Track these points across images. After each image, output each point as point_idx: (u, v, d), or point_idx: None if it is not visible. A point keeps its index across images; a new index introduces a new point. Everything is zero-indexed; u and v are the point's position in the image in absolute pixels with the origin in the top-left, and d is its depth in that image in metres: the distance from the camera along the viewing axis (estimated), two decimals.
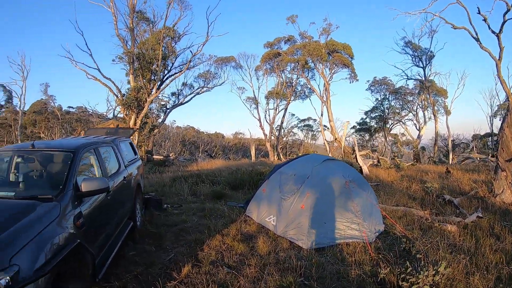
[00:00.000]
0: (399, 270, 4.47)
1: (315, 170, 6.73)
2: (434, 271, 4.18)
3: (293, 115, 48.28)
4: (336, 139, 32.00)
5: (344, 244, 5.83)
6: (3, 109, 49.97)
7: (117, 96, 18.10)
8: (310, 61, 33.08)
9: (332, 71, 33.77)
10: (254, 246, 5.87)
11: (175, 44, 23.05)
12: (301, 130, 56.16)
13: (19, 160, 4.78)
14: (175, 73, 23.58)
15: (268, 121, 37.61)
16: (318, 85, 35.90)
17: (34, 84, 77.25)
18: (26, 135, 52.36)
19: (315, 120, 54.38)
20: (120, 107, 18.79)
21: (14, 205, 3.42)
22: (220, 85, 30.57)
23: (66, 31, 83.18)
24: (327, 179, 6.56)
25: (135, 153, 7.47)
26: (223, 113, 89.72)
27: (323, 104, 34.70)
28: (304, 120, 54.48)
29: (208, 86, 29.71)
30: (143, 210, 7.55)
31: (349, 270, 4.90)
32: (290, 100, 37.27)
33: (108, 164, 5.33)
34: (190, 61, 20.71)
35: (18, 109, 48.68)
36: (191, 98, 29.31)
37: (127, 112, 17.83)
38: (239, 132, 58.02)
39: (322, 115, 36.21)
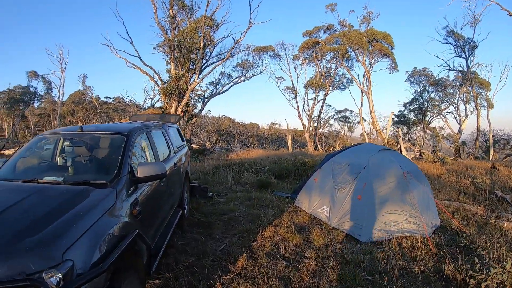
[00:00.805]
0: (464, 266, 4.27)
1: (372, 160, 6.38)
2: (502, 269, 3.93)
3: (329, 106, 47.45)
4: (377, 130, 30.93)
5: (401, 238, 5.53)
6: (43, 100, 51.53)
7: (157, 85, 18.00)
8: (350, 50, 32.09)
9: (372, 61, 32.59)
10: (308, 238, 5.61)
11: (213, 33, 22.82)
12: (337, 121, 55.38)
13: (67, 143, 4.49)
14: (213, 63, 23.44)
15: (307, 112, 37.03)
16: (358, 75, 34.88)
17: (72, 75, 79.00)
18: (65, 124, 54.17)
19: (351, 111, 53.42)
20: (160, 95, 18.73)
21: (64, 191, 3.06)
22: (258, 74, 30.08)
23: (104, 20, 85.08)
24: (384, 169, 6.22)
25: (182, 140, 7.22)
26: (258, 103, 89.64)
27: (363, 94, 33.71)
28: (340, 111, 53.62)
29: (246, 75, 29.35)
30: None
31: (412, 265, 4.65)
32: (328, 90, 36.45)
33: (159, 149, 5.04)
34: (232, 48, 20.24)
35: (57, 100, 50.18)
36: (229, 88, 29.03)
37: (168, 101, 17.72)
38: (275, 122, 57.67)
39: (361, 106, 35.21)
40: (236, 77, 29.08)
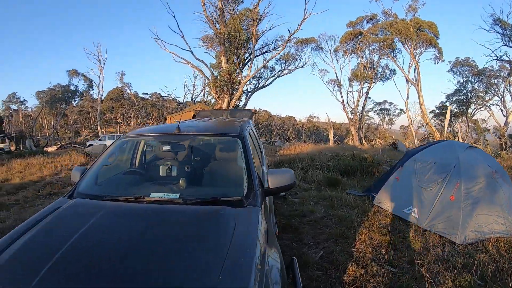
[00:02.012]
0: None
1: (461, 159, 6.00)
2: None
3: (368, 98, 46.54)
4: (427, 124, 29.72)
5: (493, 239, 5.16)
6: (84, 98, 52.95)
7: (208, 79, 17.76)
8: (396, 41, 31.06)
9: (417, 51, 31.50)
10: (404, 241, 5.26)
11: (257, 25, 22.40)
12: (377, 114, 54.26)
13: (166, 148, 3.71)
14: (256, 56, 23.05)
15: (352, 104, 36.27)
16: (402, 66, 33.75)
17: (110, 72, 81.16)
18: (104, 120, 55.45)
19: (391, 103, 52.21)
20: (211, 90, 18.47)
21: (199, 214, 2.43)
22: (302, 67, 29.57)
23: (150, 15, 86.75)
24: (474, 168, 5.88)
25: (259, 138, 6.83)
26: (294, 96, 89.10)
27: (409, 86, 32.68)
28: (379, 103, 52.52)
29: (289, 68, 28.83)
30: None
31: None
32: (372, 82, 35.51)
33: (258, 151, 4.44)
34: (288, 39, 19.65)
35: (97, 97, 51.49)
36: (272, 81, 28.68)
37: (219, 95, 17.46)
38: (313, 115, 57.09)
39: (407, 98, 34.13)
40: (279, 70, 28.62)
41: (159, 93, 62.92)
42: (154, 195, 2.76)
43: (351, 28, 34.83)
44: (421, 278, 4.08)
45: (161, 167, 3.55)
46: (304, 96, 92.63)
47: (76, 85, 48.16)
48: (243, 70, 20.87)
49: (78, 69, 47.99)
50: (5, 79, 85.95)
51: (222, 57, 17.75)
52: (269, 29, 22.56)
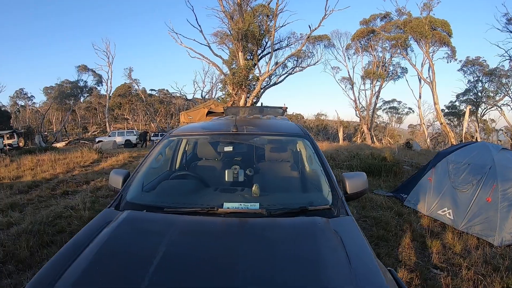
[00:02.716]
0: None
1: (496, 160, 5.99)
2: None
3: (377, 96, 46.44)
4: (441, 123, 29.35)
5: None
6: (93, 93, 53.07)
7: (225, 75, 17.49)
8: (410, 39, 30.79)
9: (430, 50, 31.20)
10: (443, 243, 5.17)
11: (270, 22, 22.19)
12: (385, 112, 54.01)
13: (227, 149, 3.30)
14: (268, 53, 22.81)
15: (365, 102, 36.09)
16: (415, 65, 33.49)
17: (118, 68, 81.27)
18: (113, 116, 55.60)
19: (399, 102, 51.92)
20: (228, 86, 18.23)
21: (292, 226, 2.10)
22: (314, 64, 29.31)
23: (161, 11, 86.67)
24: (509, 170, 5.85)
25: None
26: (303, 93, 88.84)
27: (422, 85, 32.47)
28: (388, 101, 52.24)
29: (301, 65, 28.61)
30: None
31: None
32: (384, 80, 35.25)
33: None
34: (308, 36, 19.24)
35: (105, 93, 51.57)
36: (284, 79, 28.61)
37: (237, 92, 17.23)
38: (321, 113, 56.87)
39: (420, 97, 33.88)
40: (291, 68, 28.38)
41: (167, 90, 63.01)
42: (229, 206, 2.35)
43: (365, 26, 34.55)
44: (469, 280, 4.03)
45: (226, 171, 3.01)
46: (312, 94, 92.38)
47: (85, 81, 48.20)
48: (255, 67, 20.65)
49: (86, 64, 47.92)
50: (13, 75, 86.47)
51: (240, 53, 17.46)
52: (282, 26, 22.35)
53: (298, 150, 3.36)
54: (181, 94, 53.23)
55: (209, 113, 18.55)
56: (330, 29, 68.56)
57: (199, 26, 18.38)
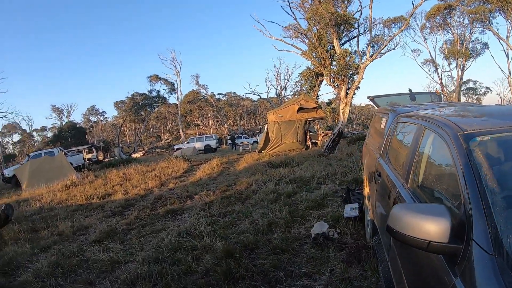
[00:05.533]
0: None
1: None
2: None
3: (452, 77, 43.26)
4: None
5: None
6: (167, 103, 54.63)
7: (323, 68, 16.41)
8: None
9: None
10: None
11: (346, 6, 20.77)
12: (463, 94, 50.39)
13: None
14: (351, 39, 21.69)
15: (451, 85, 33.62)
16: (499, 39, 30.43)
17: (185, 76, 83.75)
18: (185, 123, 56.83)
19: (475, 81, 48.34)
20: (326, 79, 17.18)
21: None
22: (393, 48, 27.33)
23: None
24: None
25: None
26: (383, 81, 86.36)
27: (510, 60, 29.45)
28: (464, 82, 48.65)
29: (381, 52, 26.81)
30: None
31: None
32: (466, 59, 32.41)
33: None
34: (411, 14, 17.56)
35: (175, 101, 52.84)
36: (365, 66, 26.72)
37: (336, 85, 16.10)
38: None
39: (510, 73, 30.77)
40: (371, 54, 26.71)
41: (234, 92, 63.61)
42: None
43: (442, 2, 31.92)
44: None
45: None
46: (384, 81, 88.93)
47: (158, 90, 49.53)
48: (355, 54, 19.31)
49: (157, 74, 49.27)
50: (83, 94, 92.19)
51: (335, 41, 16.34)
52: (358, 10, 20.89)
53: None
54: (254, 94, 53.13)
55: (300, 109, 17.61)
56: (405, 10, 65.13)
57: (293, 13, 17.55)
